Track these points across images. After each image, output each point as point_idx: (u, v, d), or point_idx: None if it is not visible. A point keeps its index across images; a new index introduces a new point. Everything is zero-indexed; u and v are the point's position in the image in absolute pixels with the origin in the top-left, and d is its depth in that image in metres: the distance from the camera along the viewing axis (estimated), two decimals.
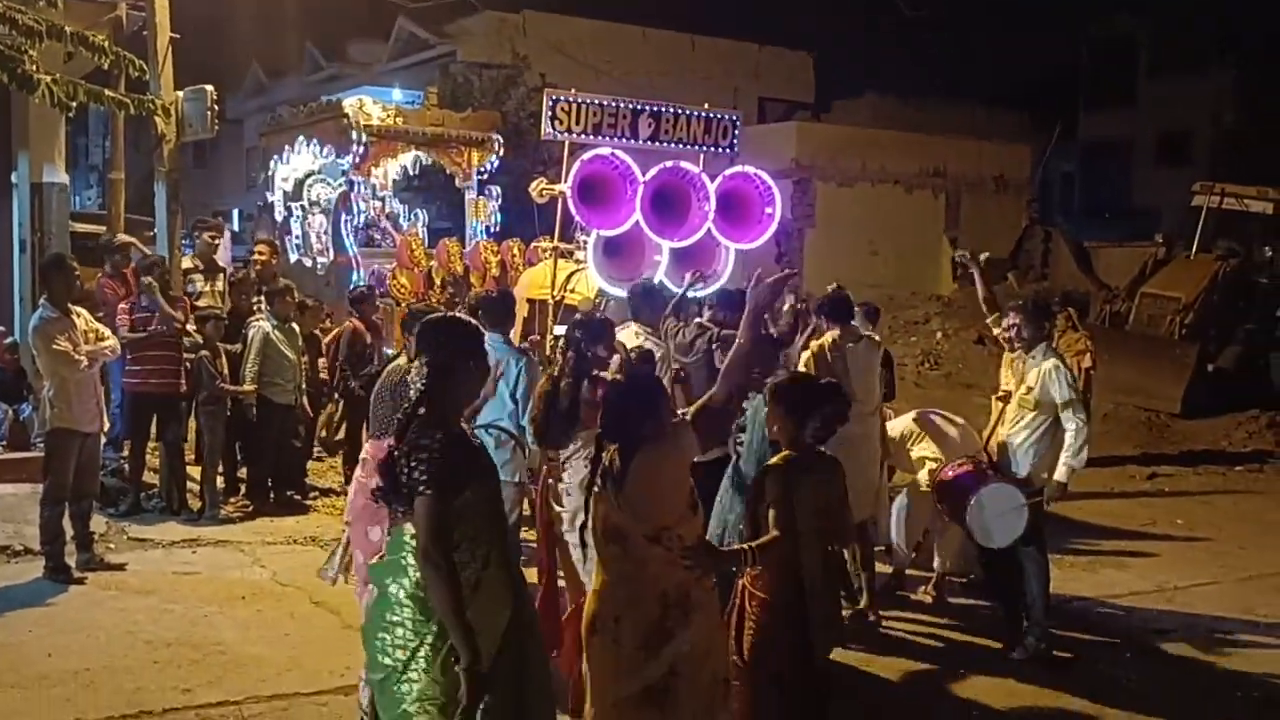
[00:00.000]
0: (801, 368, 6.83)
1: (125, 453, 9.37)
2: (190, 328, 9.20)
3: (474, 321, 3.87)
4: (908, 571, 7.73)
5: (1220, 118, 31.35)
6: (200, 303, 10.19)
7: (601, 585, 3.97)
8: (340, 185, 13.36)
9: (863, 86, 29.40)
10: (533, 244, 11.76)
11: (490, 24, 26.21)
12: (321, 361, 10.43)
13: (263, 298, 9.94)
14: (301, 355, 9.57)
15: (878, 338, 7.83)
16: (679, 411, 4.30)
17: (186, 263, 10.97)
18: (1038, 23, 38.07)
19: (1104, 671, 6.36)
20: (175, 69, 10.93)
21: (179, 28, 11.00)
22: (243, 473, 9.68)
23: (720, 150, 10.48)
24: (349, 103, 12.93)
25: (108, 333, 7.88)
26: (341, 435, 10.95)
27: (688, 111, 10.30)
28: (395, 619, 3.50)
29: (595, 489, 3.97)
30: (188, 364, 9.14)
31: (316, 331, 10.53)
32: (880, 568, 7.44)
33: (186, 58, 11.44)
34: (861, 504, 6.87)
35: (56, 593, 7.12)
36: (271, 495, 9.49)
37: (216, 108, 10.72)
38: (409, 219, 14.38)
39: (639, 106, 10.05)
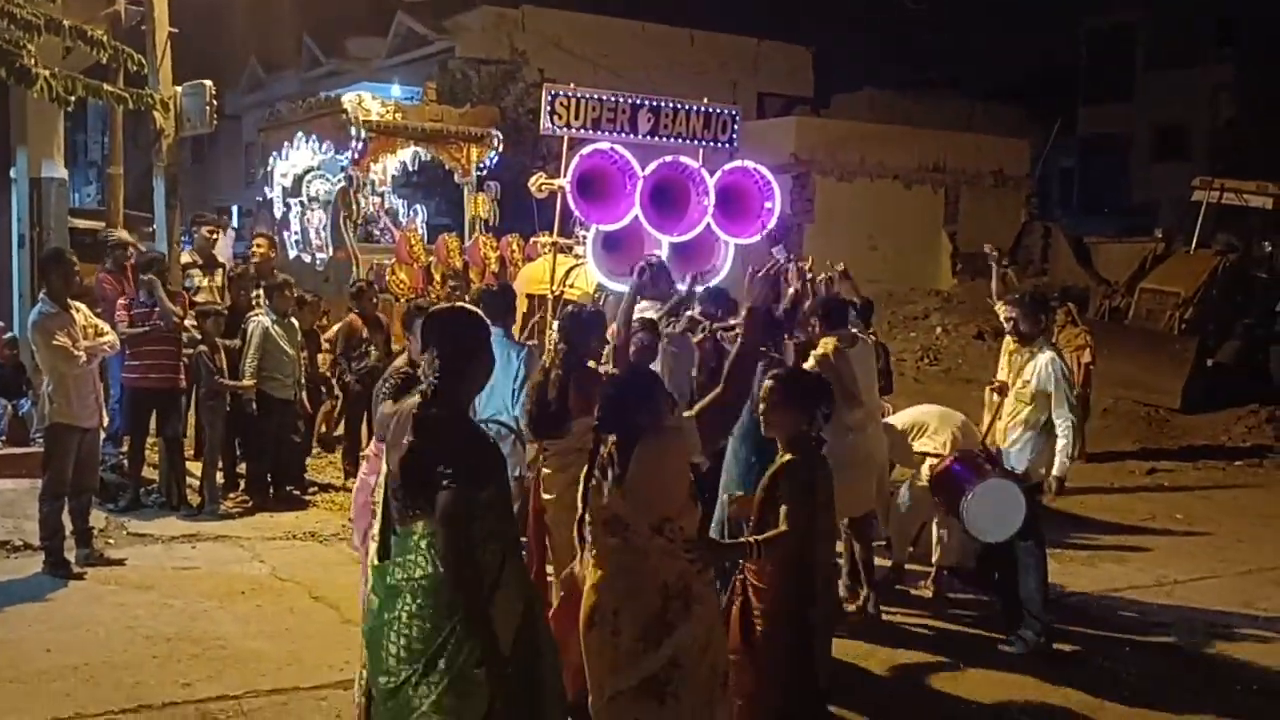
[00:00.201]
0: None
1: (125, 448, 9.36)
2: (189, 323, 9.19)
3: (480, 312, 3.84)
4: (907, 566, 7.73)
5: (1219, 112, 31.34)
6: (198, 298, 10.18)
7: (600, 577, 3.94)
8: (339, 181, 13.36)
9: (862, 81, 29.44)
10: (532, 239, 11.76)
11: (489, 19, 26.21)
12: (321, 357, 10.42)
13: (261, 292, 9.93)
14: (300, 350, 9.56)
15: (872, 336, 7.84)
16: (685, 412, 4.30)
17: (185, 258, 10.96)
18: (1036, 17, 38.12)
19: (1103, 665, 6.37)
20: (174, 64, 10.91)
21: (177, 23, 10.98)
22: (242, 468, 9.66)
23: (720, 145, 10.47)
24: (348, 98, 12.94)
25: (107, 328, 7.87)
26: (340, 431, 10.95)
27: (687, 106, 10.28)
28: (408, 622, 3.38)
29: (593, 480, 3.96)
30: (187, 359, 9.13)
31: (315, 327, 10.53)
32: (879, 561, 7.44)
33: (185, 53, 11.43)
34: (865, 499, 6.90)
35: (56, 588, 7.11)
36: (271, 490, 9.48)
37: (215, 103, 10.70)
38: (408, 214, 14.39)
39: (638, 101, 10.03)
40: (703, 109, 10.34)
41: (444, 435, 3.37)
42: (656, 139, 10.11)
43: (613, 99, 9.92)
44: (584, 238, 10.13)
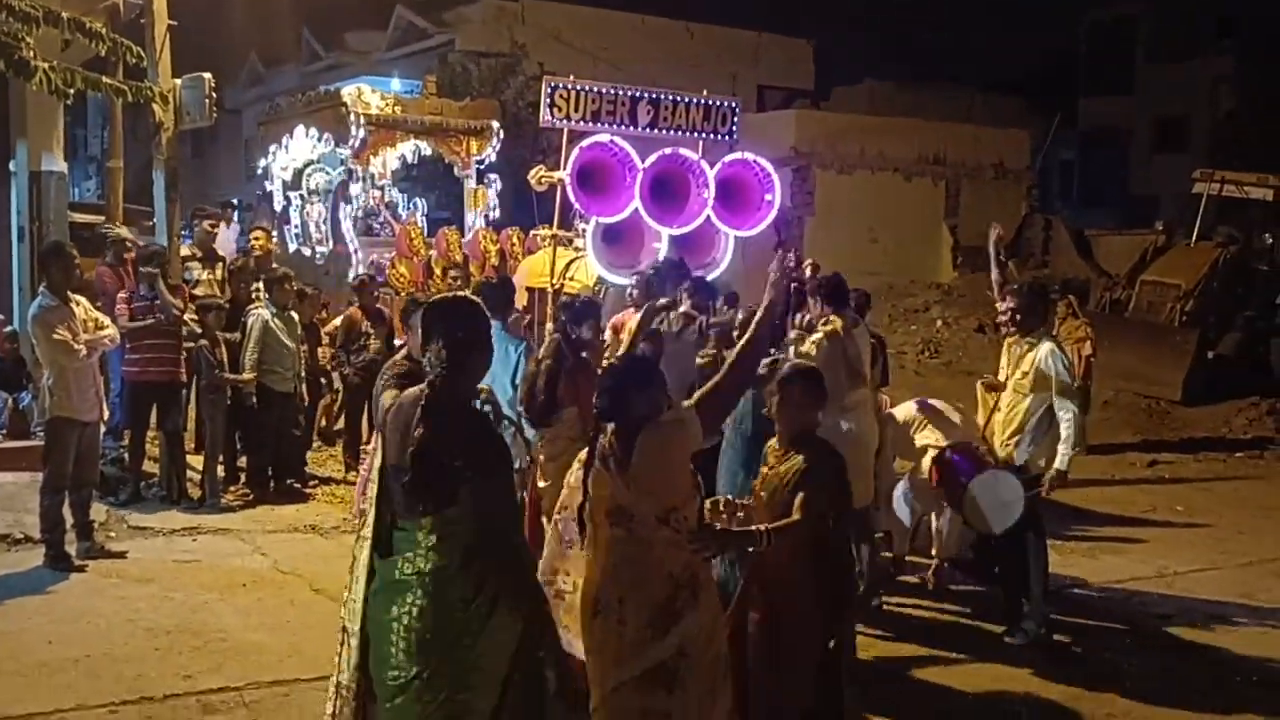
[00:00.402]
0: (813, 350, 6.77)
1: (125, 442, 9.36)
2: (189, 317, 9.19)
3: (480, 302, 3.82)
4: (908, 557, 7.74)
5: (1219, 105, 31.30)
6: (198, 291, 10.18)
7: (602, 567, 3.93)
8: (339, 174, 13.35)
9: (862, 74, 29.35)
10: (532, 232, 11.75)
11: (489, 12, 26.14)
12: (321, 350, 10.42)
13: (261, 286, 9.92)
14: (301, 343, 9.56)
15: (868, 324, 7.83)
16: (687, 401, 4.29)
17: (185, 251, 10.96)
18: (1037, 10, 38.04)
19: (1103, 657, 6.38)
20: (173, 59, 10.90)
21: (176, 15, 10.97)
22: (243, 461, 9.67)
23: (719, 137, 10.47)
24: (347, 92, 12.92)
25: (107, 321, 7.87)
26: (340, 424, 10.96)
27: (687, 98, 10.28)
28: (418, 616, 3.33)
29: (595, 469, 3.94)
30: (187, 353, 9.13)
31: (315, 320, 10.53)
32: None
33: (184, 48, 11.41)
34: (864, 490, 6.88)
35: (57, 581, 7.12)
36: (272, 484, 9.48)
37: (214, 95, 10.68)
38: (408, 208, 14.38)
39: (638, 93, 10.04)
40: (702, 101, 10.34)
41: (458, 426, 3.33)
42: (656, 131, 10.11)
43: (612, 91, 9.92)
44: (584, 230, 10.13)
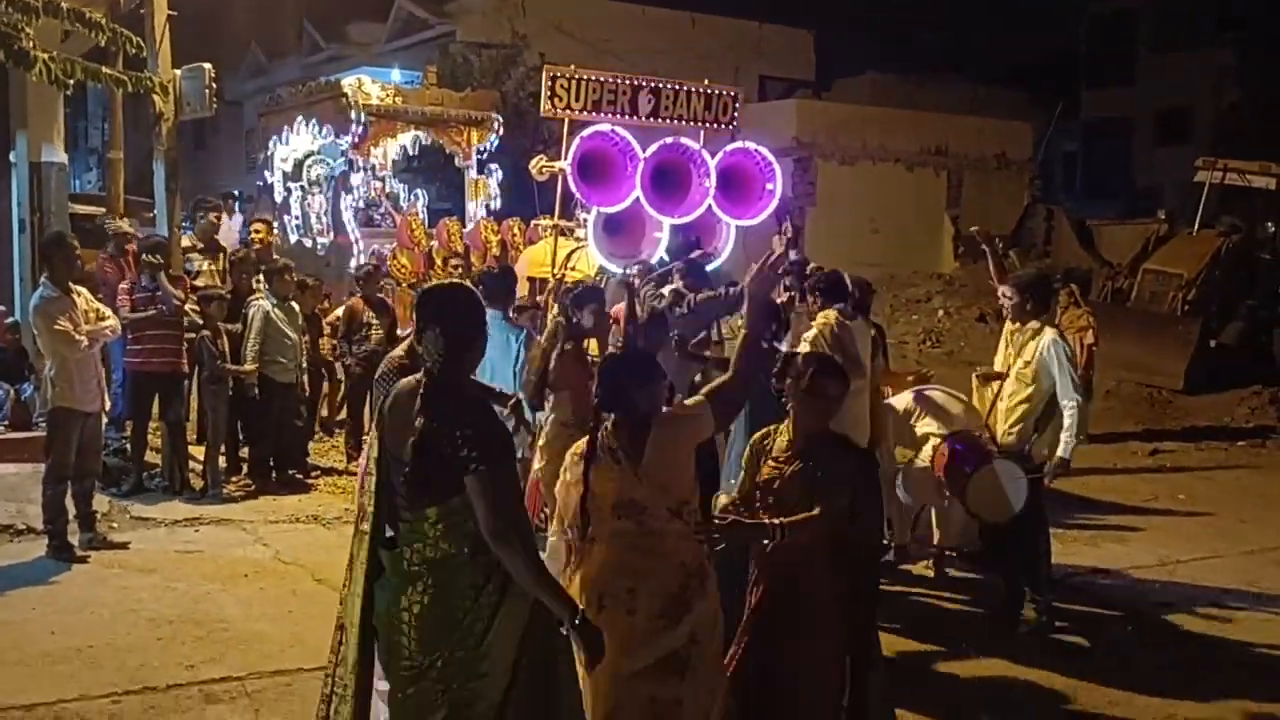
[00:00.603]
0: (807, 347, 6.78)
1: (127, 432, 9.37)
2: (190, 308, 9.19)
3: (473, 288, 3.81)
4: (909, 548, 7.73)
5: (1221, 94, 31.22)
6: (199, 282, 10.18)
7: (606, 560, 3.91)
8: (339, 165, 13.33)
9: (864, 64, 29.29)
10: (533, 222, 11.74)
11: (489, 3, 26.10)
12: (323, 340, 10.42)
13: (262, 277, 9.92)
14: (302, 334, 9.56)
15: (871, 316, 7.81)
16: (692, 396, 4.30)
17: (186, 242, 10.95)
18: (1038, 3, 37.89)
19: (1105, 645, 6.38)
20: (173, 50, 10.87)
21: (176, 6, 10.93)
22: (244, 452, 9.67)
23: (721, 126, 10.45)
24: (348, 82, 12.92)
25: (108, 312, 7.87)
26: (342, 415, 10.96)
27: (688, 88, 10.26)
28: (430, 605, 3.32)
29: (599, 462, 3.91)
30: (188, 344, 9.13)
31: (317, 311, 10.52)
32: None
33: (185, 40, 11.37)
34: None
35: (59, 571, 7.13)
36: (273, 474, 9.49)
37: (215, 86, 10.66)
38: (409, 199, 14.37)
39: (639, 83, 10.02)
40: (703, 90, 10.32)
41: (458, 414, 3.31)
42: (657, 120, 10.09)
43: (613, 81, 9.91)
44: (585, 220, 10.12)
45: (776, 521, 4.10)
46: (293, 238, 13.74)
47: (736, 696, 4.10)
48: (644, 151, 9.63)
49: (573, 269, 9.98)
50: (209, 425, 9.43)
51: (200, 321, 9.15)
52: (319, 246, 13.51)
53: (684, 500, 3.94)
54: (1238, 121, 28.67)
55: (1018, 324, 6.71)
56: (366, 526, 3.54)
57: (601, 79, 9.86)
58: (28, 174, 11.25)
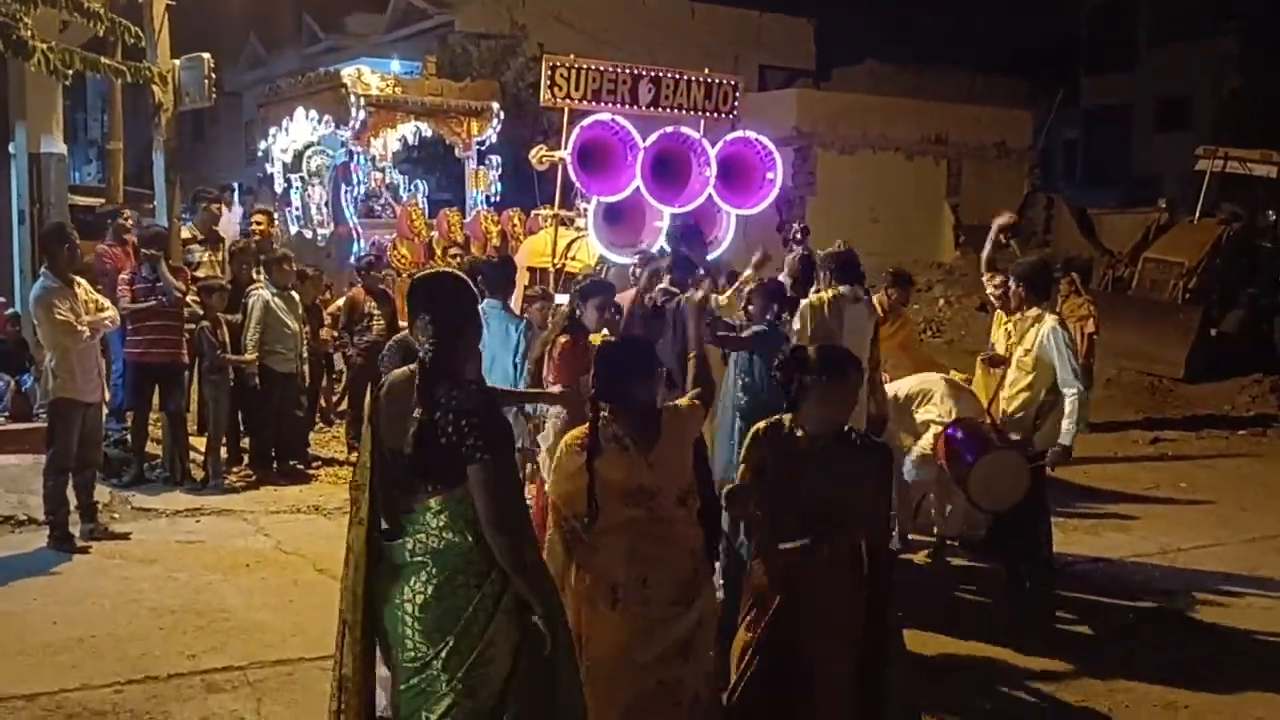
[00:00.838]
0: (797, 320, 6.78)
1: (128, 423, 9.37)
2: (191, 299, 9.18)
3: (464, 276, 3.78)
4: (910, 536, 7.73)
5: (1223, 82, 31.16)
6: (199, 273, 10.17)
7: (617, 548, 3.89)
8: (339, 156, 13.32)
9: (863, 55, 29.22)
10: (533, 212, 11.72)
11: None
12: (323, 331, 10.41)
13: (261, 267, 9.92)
14: (302, 324, 9.55)
15: (877, 305, 7.78)
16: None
17: (186, 233, 10.94)
18: None
19: (1107, 633, 6.37)
20: (172, 41, 10.86)
21: None
22: (245, 442, 9.67)
23: (721, 116, 10.43)
24: (347, 73, 12.90)
25: (107, 303, 7.87)
26: (343, 405, 10.96)
27: (688, 77, 10.23)
28: (434, 595, 3.31)
29: (607, 451, 3.90)
30: (189, 334, 9.13)
31: (317, 302, 10.52)
32: None
33: (184, 31, 11.36)
34: None
35: (61, 562, 7.14)
36: (274, 464, 9.49)
37: (214, 76, 10.65)
38: (409, 190, 14.35)
39: (639, 72, 9.99)
40: (703, 79, 10.30)
41: (465, 404, 3.28)
42: (657, 110, 10.08)
43: (613, 70, 9.88)
44: (585, 210, 10.10)
45: (825, 546, 3.97)
46: (293, 229, 13.73)
47: (746, 696, 4.04)
48: (644, 141, 9.61)
49: (573, 259, 9.97)
50: (210, 416, 9.43)
51: (200, 312, 9.15)
52: (319, 237, 13.50)
53: (689, 487, 3.99)
54: (1238, 109, 28.62)
55: (1017, 313, 6.71)
56: (364, 516, 3.52)
57: (601, 68, 9.84)
58: (27, 165, 11.23)
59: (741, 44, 27.78)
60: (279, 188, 14.12)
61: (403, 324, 9.28)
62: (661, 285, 7.28)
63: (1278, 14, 28.88)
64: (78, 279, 7.56)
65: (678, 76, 10.20)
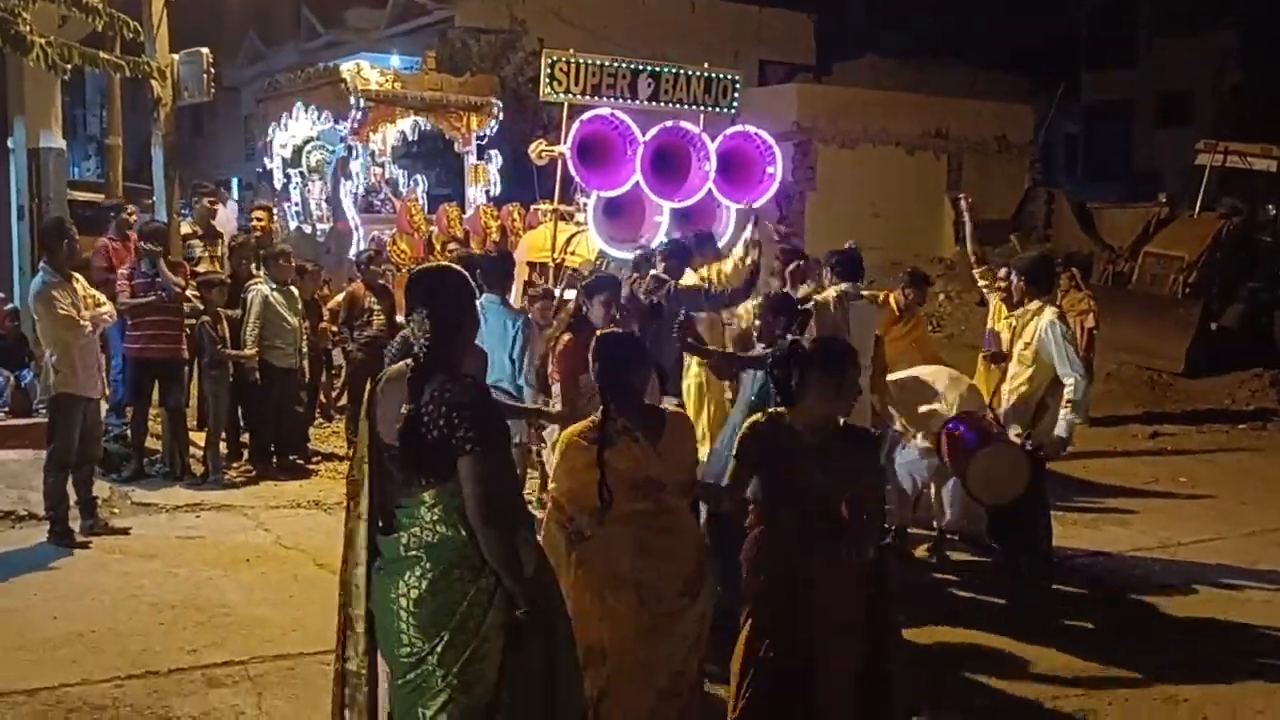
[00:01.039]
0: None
1: (128, 419, 9.37)
2: (191, 294, 9.18)
3: (463, 270, 3.77)
4: (910, 530, 7.73)
5: (1223, 77, 31.13)
6: (199, 268, 10.17)
7: (626, 542, 3.89)
8: (339, 151, 13.31)
9: (864, 48, 29.18)
10: (533, 207, 11.71)
11: None
12: (322, 326, 10.41)
13: (260, 262, 9.91)
14: (302, 319, 9.55)
15: (880, 299, 7.79)
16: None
17: (185, 228, 10.94)
18: None
19: (1107, 627, 6.37)
20: (171, 36, 10.84)
21: None
22: (245, 437, 9.67)
23: (720, 110, 10.42)
24: (346, 68, 12.88)
25: (104, 299, 7.87)
26: (344, 401, 10.95)
27: (688, 71, 10.23)
28: (428, 590, 3.30)
29: (618, 443, 3.91)
30: (188, 329, 9.12)
31: (316, 297, 10.51)
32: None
33: (183, 26, 11.33)
34: None
35: (60, 557, 7.14)
36: (274, 459, 9.49)
37: (213, 70, 10.63)
38: (408, 185, 14.34)
39: (638, 66, 9.99)
40: (703, 74, 10.29)
41: (459, 397, 3.27)
42: (657, 104, 10.07)
43: (612, 64, 9.87)
44: (585, 205, 10.10)
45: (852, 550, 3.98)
46: (292, 224, 13.72)
47: (749, 697, 4.03)
48: (644, 135, 9.60)
49: (573, 253, 9.97)
50: (209, 411, 9.42)
51: (200, 307, 9.14)
52: (319, 233, 13.49)
53: (693, 479, 4.08)
54: (1239, 104, 28.60)
55: (1019, 307, 6.70)
56: (363, 510, 3.51)
57: (601, 62, 9.83)
58: (26, 161, 11.23)
59: (742, 39, 27.72)
60: (278, 183, 14.10)
61: (401, 319, 9.34)
62: (654, 272, 7.28)
63: (1278, 8, 28.83)
64: (76, 275, 7.56)
65: (677, 71, 10.19)
